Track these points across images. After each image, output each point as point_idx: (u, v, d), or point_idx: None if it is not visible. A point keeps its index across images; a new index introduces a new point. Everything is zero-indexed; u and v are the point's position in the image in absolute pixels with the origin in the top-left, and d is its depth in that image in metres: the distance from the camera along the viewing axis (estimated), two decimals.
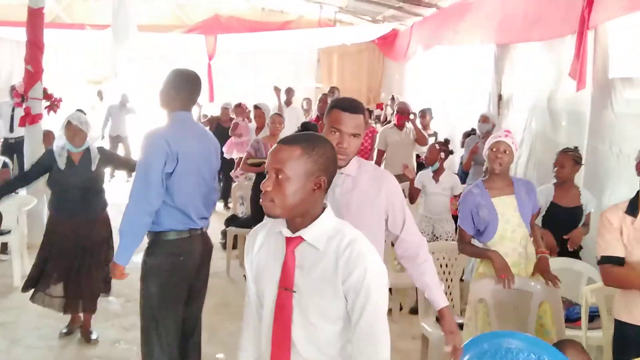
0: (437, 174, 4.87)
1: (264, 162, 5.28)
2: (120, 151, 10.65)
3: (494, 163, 3.10)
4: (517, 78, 6.32)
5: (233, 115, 8.69)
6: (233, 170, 7.34)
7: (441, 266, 3.81)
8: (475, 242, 3.33)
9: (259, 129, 6.96)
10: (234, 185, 6.55)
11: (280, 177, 1.56)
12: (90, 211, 3.93)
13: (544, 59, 5.58)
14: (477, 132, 6.19)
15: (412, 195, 4.96)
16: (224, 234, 6.28)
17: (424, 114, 7.28)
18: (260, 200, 1.59)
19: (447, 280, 3.80)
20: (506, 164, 3.11)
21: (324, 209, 1.65)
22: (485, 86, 6.86)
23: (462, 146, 6.72)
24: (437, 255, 3.78)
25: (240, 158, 7.99)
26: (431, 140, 6.62)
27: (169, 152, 2.68)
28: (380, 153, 6.41)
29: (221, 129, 8.13)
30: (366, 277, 1.54)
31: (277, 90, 8.50)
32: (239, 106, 8.41)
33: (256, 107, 7.10)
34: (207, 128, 7.97)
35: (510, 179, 3.18)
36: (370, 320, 1.55)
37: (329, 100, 5.21)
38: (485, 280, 3.10)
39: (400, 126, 6.32)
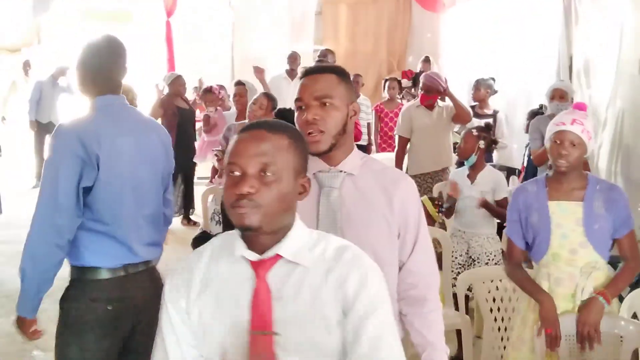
0: (473, 172, 4.79)
1: (216, 155, 5.12)
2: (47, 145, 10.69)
3: (558, 160, 3.06)
4: (595, 34, 6.29)
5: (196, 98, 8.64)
6: (210, 178, 7.31)
7: (494, 300, 3.77)
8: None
9: (241, 117, 6.89)
10: (204, 190, 6.53)
11: (268, 174, 1.58)
12: None
13: (630, 7, 5.56)
14: (551, 112, 6.09)
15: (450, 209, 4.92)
16: None
17: (478, 86, 7.22)
18: (236, 207, 1.59)
19: (502, 319, 3.77)
20: (575, 161, 3.06)
21: None
22: (551, 47, 6.84)
23: (527, 131, 6.67)
24: (487, 285, 3.75)
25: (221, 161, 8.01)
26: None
27: (84, 157, 2.58)
28: (403, 142, 6.36)
29: (186, 115, 7.98)
30: (368, 278, 1.60)
31: (258, 70, 8.35)
32: (209, 91, 8.25)
33: (239, 83, 7.06)
34: (160, 118, 7.97)
35: (585, 179, 3.13)
36: (374, 339, 1.58)
37: None
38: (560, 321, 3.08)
39: (428, 106, 6.29)
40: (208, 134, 7.82)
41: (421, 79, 6.53)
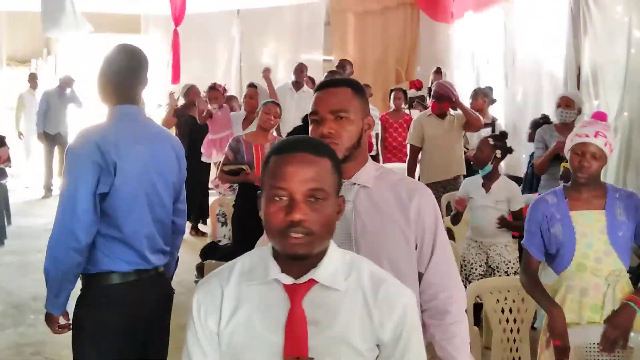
0: (488, 181, 4.78)
1: (243, 169, 5.29)
2: (56, 156, 10.75)
3: (579, 172, 3.08)
4: (603, 44, 6.29)
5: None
6: (213, 178, 7.36)
7: (503, 311, 3.78)
8: (547, 272, 3.27)
9: (248, 119, 6.94)
10: (212, 200, 6.57)
11: (318, 199, 1.59)
12: None
13: (638, 17, 5.55)
14: (557, 120, 6.10)
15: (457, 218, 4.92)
16: (200, 269, 6.29)
17: (476, 95, 7.26)
18: (289, 236, 1.57)
19: (511, 330, 3.77)
20: (595, 172, 3.09)
21: None
22: (559, 57, 6.84)
23: (530, 139, 6.69)
24: (496, 296, 3.76)
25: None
26: (488, 133, 6.55)
27: (102, 164, 2.66)
28: (415, 151, 6.38)
29: (196, 125, 8.06)
30: (406, 319, 1.63)
31: (267, 72, 8.42)
32: (213, 88, 8.33)
33: (252, 85, 7.11)
34: (174, 128, 8.03)
35: (603, 188, 3.15)
36: None
37: None
38: (570, 332, 3.07)
39: (440, 115, 6.31)
40: (210, 132, 7.88)
41: (433, 87, 6.56)
